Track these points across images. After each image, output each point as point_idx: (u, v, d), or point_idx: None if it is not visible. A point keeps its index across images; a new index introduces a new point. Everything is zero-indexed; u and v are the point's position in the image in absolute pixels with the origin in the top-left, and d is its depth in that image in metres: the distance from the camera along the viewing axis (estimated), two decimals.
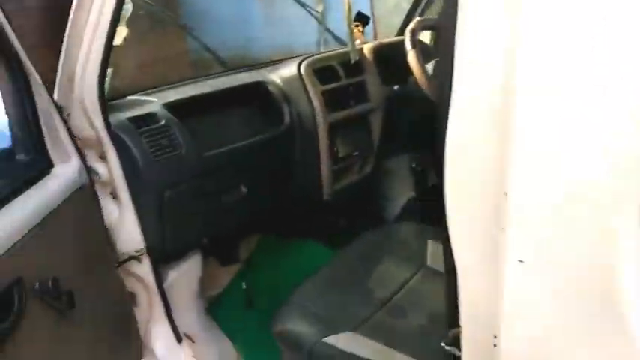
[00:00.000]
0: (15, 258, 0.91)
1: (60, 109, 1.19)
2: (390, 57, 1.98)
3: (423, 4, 2.20)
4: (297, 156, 1.80)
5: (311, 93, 1.78)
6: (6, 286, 0.88)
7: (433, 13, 2.19)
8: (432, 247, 1.47)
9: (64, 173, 1.16)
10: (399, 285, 1.37)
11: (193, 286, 1.63)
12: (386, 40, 2.17)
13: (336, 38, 2.26)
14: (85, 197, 1.22)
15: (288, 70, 1.82)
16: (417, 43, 1.54)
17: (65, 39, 1.22)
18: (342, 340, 1.18)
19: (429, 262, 1.45)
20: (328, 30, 2.30)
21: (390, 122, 2.03)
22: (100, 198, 1.29)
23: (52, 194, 1.09)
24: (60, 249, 1.09)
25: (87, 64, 1.22)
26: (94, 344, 1.20)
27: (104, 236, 1.31)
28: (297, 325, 1.25)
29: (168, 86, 1.65)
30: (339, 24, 2.02)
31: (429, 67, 1.60)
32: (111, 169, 1.28)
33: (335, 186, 1.90)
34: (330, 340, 1.18)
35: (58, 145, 1.17)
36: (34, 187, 1.07)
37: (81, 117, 1.24)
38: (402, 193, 2.19)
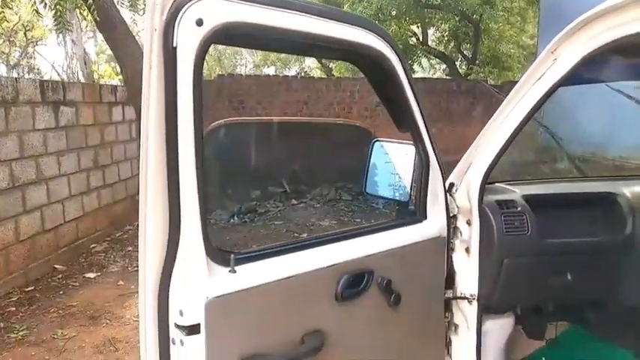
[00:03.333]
0: (376, 260, 1.49)
1: (451, 185, 1.73)
2: None
3: None
4: (632, 264, 1.92)
5: None
6: (365, 270, 1.46)
7: None
8: None
9: (432, 224, 1.69)
10: None
11: (502, 340, 1.93)
12: None
13: None
14: (438, 243, 1.71)
15: None
16: None
17: (484, 131, 1.69)
18: None
19: None
20: None
21: None
22: (455, 249, 1.75)
23: (418, 233, 1.65)
24: (405, 266, 1.59)
25: (485, 155, 1.67)
26: (404, 336, 1.64)
27: (442, 272, 1.74)
28: None
29: (528, 180, 2.08)
30: None
31: None
32: (472, 232, 1.73)
33: None
34: None
35: (435, 208, 1.69)
36: (411, 226, 1.67)
37: (464, 193, 1.73)
38: None
